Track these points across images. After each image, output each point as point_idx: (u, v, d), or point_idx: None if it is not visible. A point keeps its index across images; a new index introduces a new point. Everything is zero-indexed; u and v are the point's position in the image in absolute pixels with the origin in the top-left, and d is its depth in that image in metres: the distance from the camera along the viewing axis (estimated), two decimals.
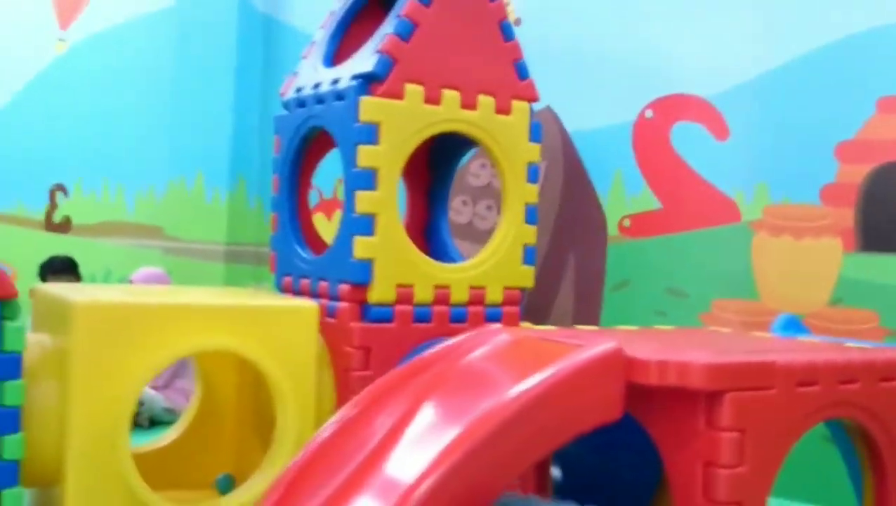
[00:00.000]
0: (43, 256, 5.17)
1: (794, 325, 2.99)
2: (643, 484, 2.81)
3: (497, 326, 2.39)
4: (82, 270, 5.16)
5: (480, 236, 4.43)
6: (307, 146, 3.66)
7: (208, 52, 5.40)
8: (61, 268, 4.97)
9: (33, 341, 2.79)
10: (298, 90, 3.61)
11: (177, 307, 2.88)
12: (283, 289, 3.66)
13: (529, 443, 1.90)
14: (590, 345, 2.01)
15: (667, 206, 4.17)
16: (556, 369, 1.93)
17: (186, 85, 5.48)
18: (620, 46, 4.28)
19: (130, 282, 4.89)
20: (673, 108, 4.16)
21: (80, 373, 2.72)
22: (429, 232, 3.99)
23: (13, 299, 2.64)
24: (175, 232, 5.52)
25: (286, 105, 3.71)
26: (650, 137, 4.20)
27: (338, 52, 3.68)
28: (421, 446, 1.95)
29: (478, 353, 2.23)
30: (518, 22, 4.40)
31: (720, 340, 2.58)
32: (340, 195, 4.97)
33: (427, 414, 2.06)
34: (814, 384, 2.12)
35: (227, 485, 3.36)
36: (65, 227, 6.25)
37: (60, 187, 6.31)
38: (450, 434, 1.87)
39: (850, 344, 2.57)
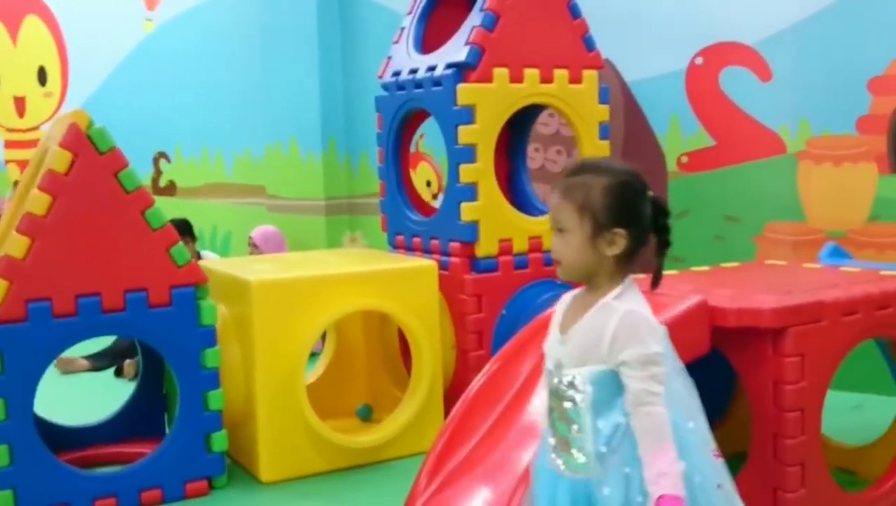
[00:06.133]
0: None
1: (838, 252, 3.53)
2: (719, 395, 3.37)
3: None
4: (194, 227, 5.76)
5: (552, 179, 4.96)
6: (406, 123, 4.19)
7: (290, 24, 5.76)
8: (180, 230, 5.55)
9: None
10: (396, 74, 4.11)
11: (330, 277, 3.48)
12: (396, 246, 4.24)
13: None
14: (680, 299, 2.57)
15: (720, 142, 4.60)
16: None
17: (273, 56, 5.86)
18: (671, 1, 4.67)
19: (251, 239, 5.52)
20: (720, 54, 4.55)
21: (260, 336, 3.34)
22: (512, 182, 4.52)
23: (205, 284, 3.28)
24: (277, 191, 6.00)
25: (385, 87, 4.21)
26: (701, 81, 4.61)
27: (425, 36, 4.18)
28: None
29: None
30: None
31: (779, 278, 3.10)
32: (422, 149, 5.52)
33: None
34: (855, 314, 2.65)
35: (366, 413, 3.95)
36: (170, 190, 6.83)
37: (163, 155, 6.86)
38: None
39: (885, 271, 3.05)
